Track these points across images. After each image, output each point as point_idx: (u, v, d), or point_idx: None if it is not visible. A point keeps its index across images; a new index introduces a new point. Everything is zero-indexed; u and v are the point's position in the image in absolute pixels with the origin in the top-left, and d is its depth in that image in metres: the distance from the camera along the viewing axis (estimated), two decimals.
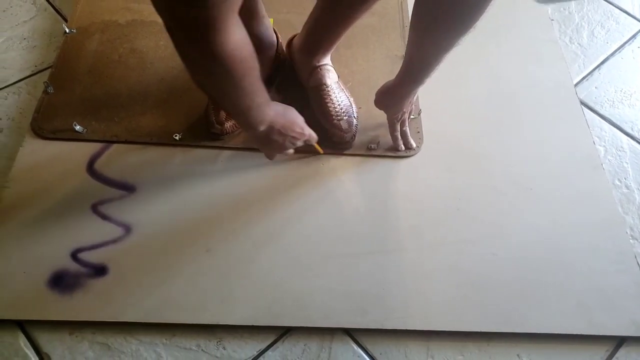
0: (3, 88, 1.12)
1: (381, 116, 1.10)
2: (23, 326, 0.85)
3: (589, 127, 1.13)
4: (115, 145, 1.03)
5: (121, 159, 1.01)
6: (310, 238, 0.95)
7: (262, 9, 1.01)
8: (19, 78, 1.14)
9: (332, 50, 1.07)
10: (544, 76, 1.21)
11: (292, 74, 1.13)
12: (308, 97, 1.08)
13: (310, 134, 0.95)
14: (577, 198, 1.03)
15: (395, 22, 1.26)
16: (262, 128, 0.85)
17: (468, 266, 0.94)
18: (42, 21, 1.24)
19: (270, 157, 0.97)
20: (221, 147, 1.04)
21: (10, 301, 0.85)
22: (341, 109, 1.04)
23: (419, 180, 1.03)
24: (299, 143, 0.94)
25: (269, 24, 1.06)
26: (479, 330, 0.89)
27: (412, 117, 1.10)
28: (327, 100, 1.04)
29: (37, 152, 1.02)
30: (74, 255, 0.90)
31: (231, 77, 0.71)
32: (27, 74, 1.15)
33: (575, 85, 1.21)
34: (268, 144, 0.90)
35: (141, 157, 1.02)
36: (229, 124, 1.03)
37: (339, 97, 1.05)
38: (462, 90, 1.17)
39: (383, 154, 1.05)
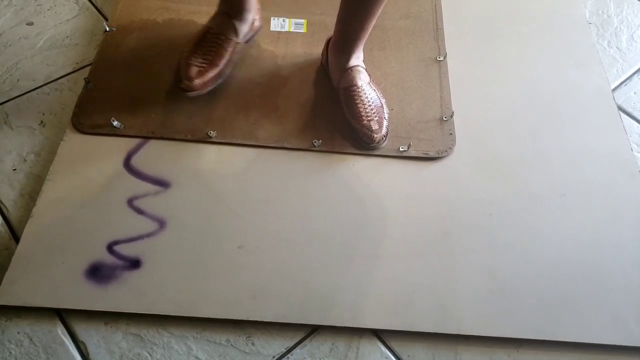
0: (46, 84, 1.16)
1: (413, 118, 1.10)
2: (61, 315, 0.87)
3: (626, 134, 1.11)
4: (151, 141, 1.05)
5: (157, 155, 1.04)
6: (342, 238, 0.96)
7: None
8: (61, 75, 1.17)
9: (361, 50, 1.08)
10: (581, 80, 1.19)
11: (324, 76, 1.14)
12: (339, 98, 1.08)
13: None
14: (614, 206, 1.01)
15: (429, 24, 1.26)
16: None
17: (500, 272, 0.93)
18: (84, 20, 1.27)
19: None
20: (255, 145, 1.05)
21: (50, 290, 0.88)
22: (372, 109, 1.04)
23: (451, 183, 1.03)
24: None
25: None
26: (509, 337, 0.87)
27: (444, 118, 1.10)
28: (357, 101, 1.04)
29: (77, 146, 1.05)
30: (110, 248, 0.93)
31: None
32: (69, 70, 1.18)
33: (613, 90, 1.19)
34: None
35: (177, 154, 1.04)
36: (198, 81, 1.05)
37: (370, 97, 1.05)
38: (497, 93, 1.16)
39: (415, 155, 1.05)
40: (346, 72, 1.07)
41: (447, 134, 1.08)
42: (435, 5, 1.29)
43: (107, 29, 1.21)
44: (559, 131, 1.11)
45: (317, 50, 1.20)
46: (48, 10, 1.30)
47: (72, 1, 1.31)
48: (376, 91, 1.08)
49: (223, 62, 1.08)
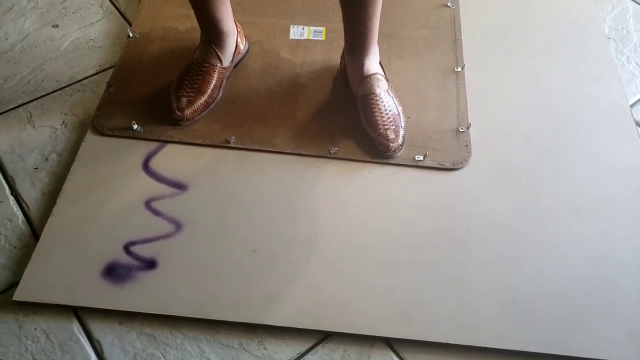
0: (69, 85, 1.18)
1: (429, 128, 1.11)
2: (77, 312, 0.89)
3: None
4: (170, 145, 1.07)
5: (175, 159, 1.05)
6: (355, 245, 0.96)
7: None
8: (83, 76, 1.20)
9: (374, 52, 1.08)
10: (598, 95, 1.18)
11: (341, 83, 1.15)
12: (356, 105, 1.09)
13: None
14: (630, 222, 1.00)
15: (448, 35, 1.26)
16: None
17: (514, 284, 0.93)
18: (108, 24, 1.30)
19: None
20: (272, 151, 1.06)
21: (67, 288, 0.89)
22: (389, 118, 1.05)
23: (466, 194, 1.03)
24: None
25: (230, 10, 1.12)
26: (522, 350, 0.87)
27: (461, 129, 1.10)
28: (374, 110, 1.05)
29: (97, 147, 1.07)
30: (127, 248, 0.94)
31: None
32: (92, 72, 1.21)
33: (631, 106, 1.18)
34: None
35: (195, 158, 1.06)
36: (189, 111, 1.07)
37: (387, 106, 1.06)
38: (513, 105, 1.16)
39: (430, 165, 1.05)
40: (365, 80, 1.08)
41: (463, 145, 1.08)
42: (454, 16, 1.30)
43: (131, 34, 1.23)
44: (575, 145, 1.11)
45: (336, 57, 1.21)
46: (73, 13, 1.32)
47: (96, 5, 1.34)
48: (394, 99, 1.09)
49: (210, 88, 1.10)
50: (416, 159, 1.06)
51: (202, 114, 1.10)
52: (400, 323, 0.88)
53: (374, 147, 1.06)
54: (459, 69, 1.20)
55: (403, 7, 1.31)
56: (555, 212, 1.01)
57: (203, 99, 1.09)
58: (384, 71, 1.11)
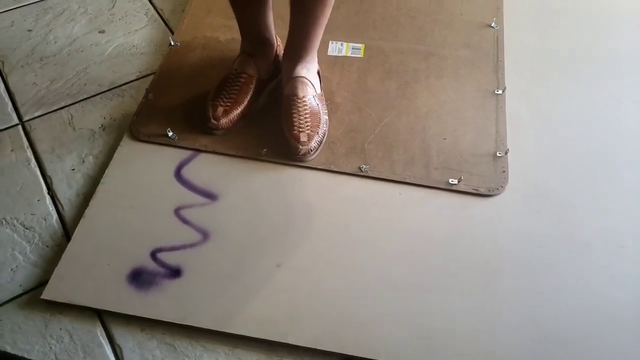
0: (110, 89, 1.21)
1: (465, 150, 1.08)
2: (101, 316, 0.90)
3: None
4: (203, 154, 1.08)
5: (207, 168, 1.06)
6: (382, 266, 0.94)
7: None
8: (124, 82, 1.23)
9: (311, 62, 1.09)
10: None
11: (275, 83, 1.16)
12: (281, 105, 1.10)
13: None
14: None
15: (490, 56, 1.23)
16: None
17: (546, 320, 0.88)
18: (151, 31, 1.33)
19: None
20: (304, 166, 1.06)
21: (93, 290, 0.90)
22: (306, 121, 1.05)
23: (500, 222, 0.99)
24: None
25: (272, 21, 1.13)
26: None
27: (498, 154, 1.07)
28: (293, 111, 1.06)
29: (132, 152, 1.08)
30: (153, 255, 0.95)
31: None
32: (132, 78, 1.23)
33: None
34: None
35: (226, 168, 1.06)
36: (224, 120, 1.08)
37: (308, 110, 1.06)
38: (555, 133, 1.12)
39: (465, 190, 1.02)
40: (290, 81, 1.08)
41: (500, 171, 1.05)
42: (497, 37, 1.27)
43: (172, 43, 1.26)
44: (619, 178, 1.05)
45: (372, 77, 1.20)
46: (119, 20, 1.36)
47: (142, 12, 1.38)
48: (320, 106, 1.08)
49: (246, 99, 1.11)
50: (450, 182, 1.03)
51: (237, 124, 1.11)
52: (423, 351, 0.85)
53: (286, 148, 1.06)
54: (500, 92, 1.16)
55: (445, 26, 1.29)
56: (594, 247, 0.97)
57: (239, 109, 1.10)
58: (320, 82, 1.12)
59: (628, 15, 1.35)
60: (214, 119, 1.08)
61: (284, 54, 1.12)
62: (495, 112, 1.14)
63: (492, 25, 1.28)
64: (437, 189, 1.03)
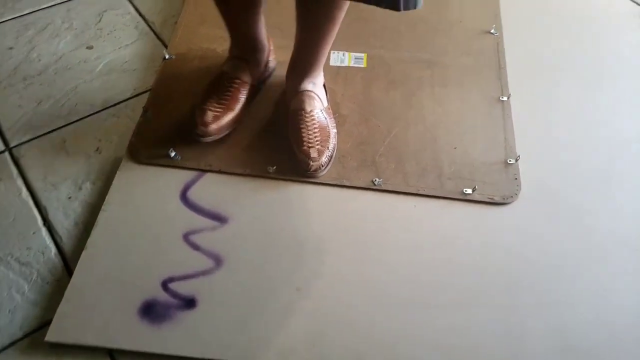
0: (104, 109, 1.15)
1: (476, 159, 1.06)
2: (113, 355, 0.84)
3: None
4: (208, 174, 1.03)
5: (215, 189, 1.01)
6: (402, 283, 0.91)
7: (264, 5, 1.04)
8: (118, 100, 1.17)
9: (318, 76, 1.06)
10: None
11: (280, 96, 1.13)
12: (288, 121, 1.06)
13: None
14: None
15: (492, 63, 1.22)
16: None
17: (571, 330, 0.87)
18: (143, 45, 1.27)
19: None
20: (315, 182, 1.02)
21: (102, 327, 0.85)
22: (315, 136, 1.01)
23: (517, 232, 0.98)
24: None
25: (263, 25, 1.08)
26: None
27: (509, 162, 1.05)
28: (301, 126, 1.02)
29: (133, 176, 1.03)
30: (165, 285, 0.90)
31: None
32: (127, 96, 1.18)
33: None
34: None
35: (234, 188, 1.01)
36: (213, 126, 1.02)
37: (316, 125, 1.02)
38: (562, 136, 1.11)
39: (480, 199, 1.00)
40: (296, 95, 1.05)
41: (512, 178, 1.03)
42: (498, 44, 1.26)
43: (167, 56, 1.21)
44: (631, 179, 1.05)
45: (376, 87, 1.17)
46: (108, 34, 1.30)
47: (131, 26, 1.32)
48: (328, 120, 1.05)
49: (238, 107, 1.06)
50: (465, 192, 1.01)
51: (226, 132, 1.06)
52: None
53: (297, 165, 1.02)
54: (505, 98, 1.15)
55: (445, 34, 1.28)
56: (612, 253, 0.96)
57: (230, 116, 1.05)
58: (326, 95, 1.09)
59: (626, 16, 1.36)
60: (202, 125, 1.02)
61: (288, 68, 1.08)
62: (502, 119, 1.12)
63: (492, 31, 1.27)
64: (451, 200, 1.01)
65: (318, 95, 1.06)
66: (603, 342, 0.86)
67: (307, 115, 1.03)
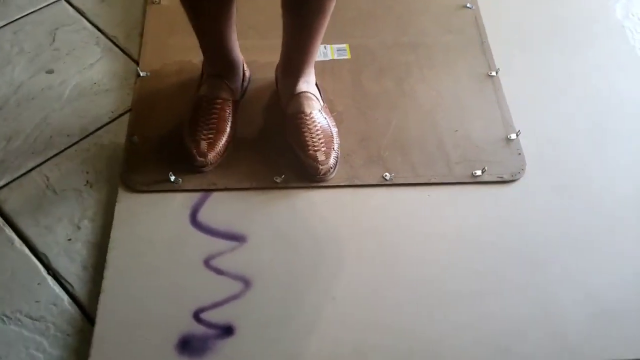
0: (83, 138, 1.07)
1: (478, 139, 1.07)
2: None
3: None
4: (214, 193, 0.99)
5: (224, 207, 0.97)
6: (432, 277, 0.91)
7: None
8: (97, 127, 1.09)
9: (311, 74, 1.04)
10: (626, 86, 1.18)
11: (278, 99, 1.09)
12: (286, 125, 1.04)
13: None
14: None
15: (474, 38, 1.23)
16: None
17: (601, 294, 0.91)
18: (110, 62, 1.18)
19: None
20: (326, 186, 1.00)
21: None
22: (319, 139, 0.99)
23: (530, 206, 1.00)
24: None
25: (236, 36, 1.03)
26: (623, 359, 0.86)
27: (510, 137, 1.07)
28: (303, 130, 1.00)
29: (134, 207, 0.97)
30: (197, 316, 0.86)
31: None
32: (105, 121, 1.09)
33: None
34: None
35: (245, 204, 0.98)
36: (212, 155, 0.99)
37: (318, 126, 1.00)
38: (555, 105, 1.14)
39: (489, 180, 1.02)
40: (293, 98, 1.02)
41: (516, 154, 1.05)
42: (476, 17, 1.26)
43: (141, 73, 1.13)
44: (626, 138, 1.09)
45: (365, 77, 1.15)
46: (67, 55, 1.20)
47: (91, 43, 1.22)
48: (328, 119, 1.03)
49: (228, 126, 1.01)
50: (474, 174, 1.02)
51: (225, 155, 1.02)
52: (500, 352, 0.85)
53: (304, 170, 1.00)
54: (494, 73, 1.16)
55: (422, 14, 1.27)
56: (624, 214, 0.99)
57: (224, 139, 1.01)
58: (320, 93, 1.06)
59: None
60: (200, 156, 0.98)
61: (280, 70, 1.04)
62: (495, 94, 1.14)
63: (468, 5, 1.28)
64: (462, 184, 1.02)
65: (315, 95, 1.02)
66: (634, 302, 0.90)
67: (307, 117, 1.00)
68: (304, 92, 1.01)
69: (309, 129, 0.99)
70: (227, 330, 0.85)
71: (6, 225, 0.96)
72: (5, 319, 0.86)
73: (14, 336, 0.85)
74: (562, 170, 1.05)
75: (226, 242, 0.93)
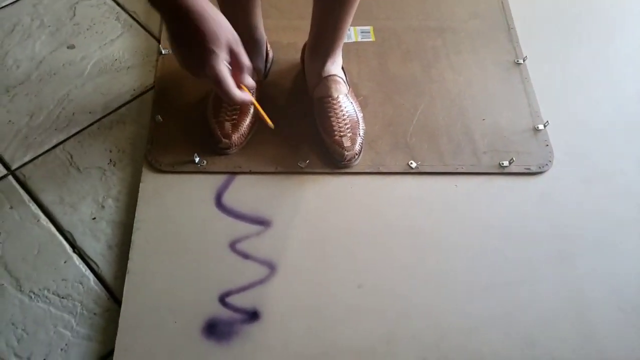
0: (106, 116, 1.05)
1: (506, 129, 1.06)
2: None
3: None
4: (239, 176, 0.98)
5: (249, 191, 0.96)
6: (461, 267, 0.91)
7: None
8: (119, 104, 1.07)
9: (339, 56, 1.02)
10: None
11: (302, 82, 1.08)
12: (312, 109, 1.03)
13: (223, 76, 0.69)
14: None
15: (500, 24, 1.20)
16: (168, 18, 0.65)
17: (632, 291, 0.90)
18: (131, 38, 1.16)
19: (192, 73, 0.72)
20: (351, 172, 0.99)
21: (169, 354, 0.81)
22: (345, 124, 0.98)
23: (558, 198, 0.99)
24: (211, 74, 0.69)
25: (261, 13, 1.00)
26: None
27: (538, 128, 1.06)
28: (330, 114, 0.99)
29: (159, 188, 0.96)
30: (223, 300, 0.86)
31: None
32: (127, 98, 1.08)
33: None
34: (175, 48, 0.69)
35: (270, 188, 0.97)
36: (236, 136, 0.98)
37: (345, 111, 0.99)
38: (584, 95, 1.12)
39: (517, 171, 1.01)
40: (322, 82, 1.00)
41: (544, 145, 1.04)
42: (502, 2, 1.23)
43: (163, 51, 1.11)
44: None
45: (391, 61, 1.13)
46: (87, 30, 1.18)
47: (112, 18, 1.20)
48: (354, 104, 1.02)
49: (252, 107, 1.00)
50: (502, 165, 1.01)
51: (249, 137, 1.01)
52: (526, 345, 0.85)
53: (329, 155, 0.99)
54: (521, 61, 1.14)
55: None
56: None
57: (248, 119, 1.00)
58: (345, 76, 1.04)
59: None
60: (225, 137, 0.97)
61: (308, 52, 1.02)
62: (522, 83, 1.12)
63: None
64: (490, 174, 1.01)
65: (342, 79, 1.01)
66: None
67: (334, 102, 0.99)
68: (332, 75, 0.99)
69: (335, 113, 0.98)
70: (253, 315, 0.85)
71: (31, 201, 0.95)
72: (33, 295, 0.87)
73: (41, 313, 0.85)
74: (591, 162, 1.03)
75: (251, 225, 0.93)
